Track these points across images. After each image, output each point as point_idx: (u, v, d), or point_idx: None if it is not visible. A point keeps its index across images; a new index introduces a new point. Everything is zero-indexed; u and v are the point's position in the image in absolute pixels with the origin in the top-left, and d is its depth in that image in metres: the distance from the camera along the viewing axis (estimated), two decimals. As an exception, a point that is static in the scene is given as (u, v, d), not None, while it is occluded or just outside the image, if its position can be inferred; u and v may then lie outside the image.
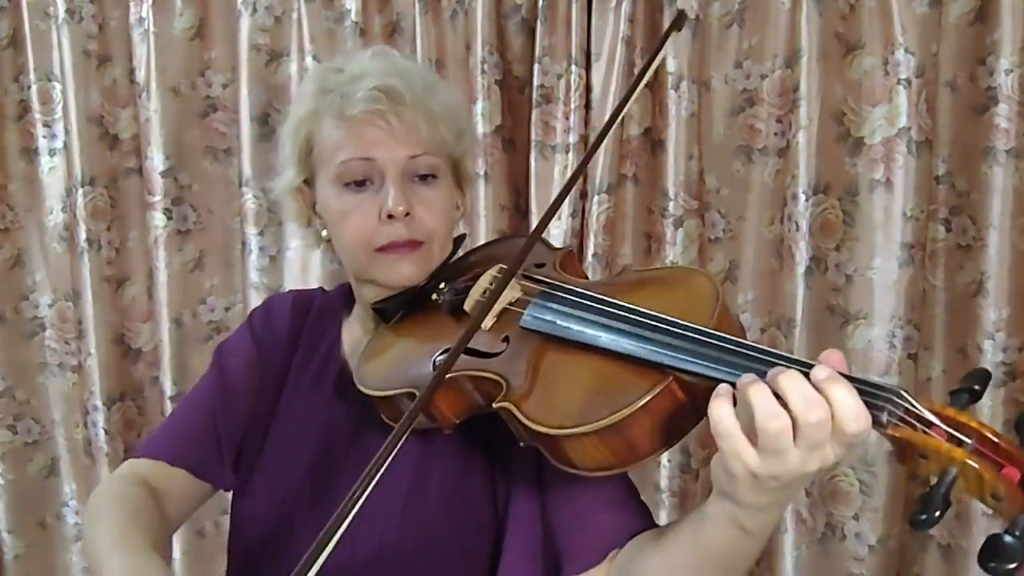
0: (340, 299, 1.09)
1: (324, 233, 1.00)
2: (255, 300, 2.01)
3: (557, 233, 1.88)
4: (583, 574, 0.86)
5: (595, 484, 0.80)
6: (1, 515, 2.17)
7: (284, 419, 1.03)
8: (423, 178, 0.95)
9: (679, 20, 0.98)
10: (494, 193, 1.91)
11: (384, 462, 0.69)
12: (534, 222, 1.91)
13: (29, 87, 2.04)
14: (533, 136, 1.90)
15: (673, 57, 1.82)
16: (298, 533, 0.96)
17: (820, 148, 1.77)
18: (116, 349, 2.10)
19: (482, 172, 1.89)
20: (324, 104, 0.94)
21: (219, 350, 1.10)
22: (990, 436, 0.61)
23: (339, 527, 0.67)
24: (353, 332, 1.06)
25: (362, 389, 0.90)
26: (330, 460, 0.98)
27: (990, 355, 1.71)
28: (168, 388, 2.07)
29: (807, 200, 1.77)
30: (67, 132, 2.00)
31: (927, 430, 0.61)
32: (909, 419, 0.62)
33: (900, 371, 1.76)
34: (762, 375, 0.64)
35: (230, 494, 1.07)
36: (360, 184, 0.94)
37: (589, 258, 1.87)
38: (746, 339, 0.74)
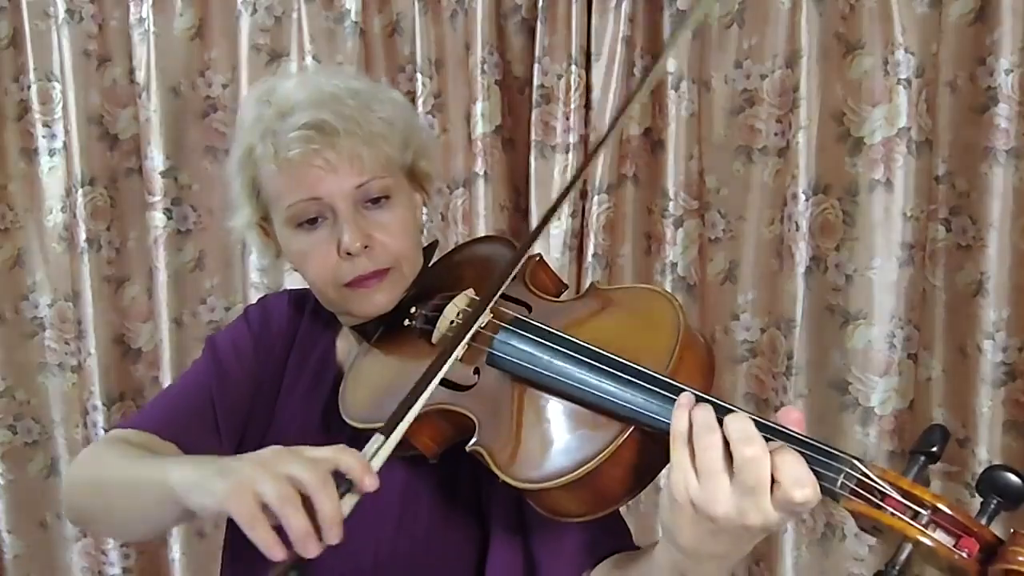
0: None
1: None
2: (255, 300, 2.00)
3: (557, 233, 1.88)
4: None
5: None
6: (1, 515, 2.17)
7: (282, 422, 1.02)
8: (376, 201, 0.92)
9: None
10: (494, 193, 1.91)
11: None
12: (534, 222, 1.91)
13: (29, 87, 2.04)
14: (533, 136, 1.90)
15: (673, 57, 1.82)
16: None
17: (820, 148, 1.77)
18: (116, 349, 2.10)
19: (482, 172, 1.89)
20: (259, 146, 0.92)
21: (212, 340, 1.07)
22: (945, 509, 0.59)
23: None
24: (347, 339, 1.05)
25: (347, 420, 0.90)
26: None
27: (990, 355, 1.70)
28: (168, 388, 2.07)
29: (807, 200, 1.77)
30: (67, 132, 2.00)
31: (881, 503, 0.60)
32: (862, 491, 0.61)
33: (900, 371, 1.76)
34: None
35: None
36: (313, 222, 0.91)
37: (589, 258, 1.88)
38: (712, 359, 0.77)
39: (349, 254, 0.90)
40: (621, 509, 0.84)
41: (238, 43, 1.97)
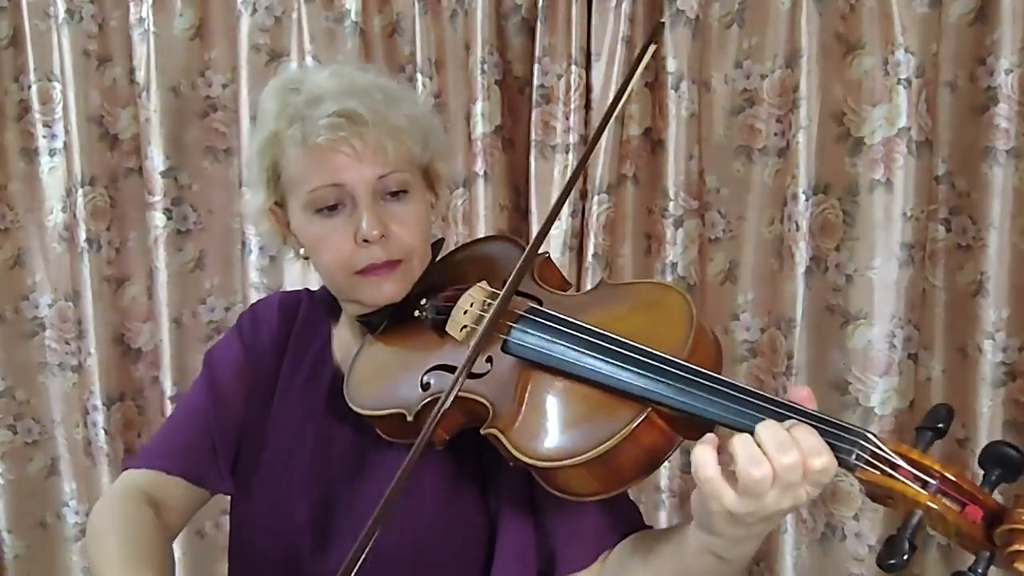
0: (327, 301, 1.09)
1: (302, 251, 1.00)
2: (255, 300, 2.01)
3: (557, 233, 1.88)
4: (575, 574, 0.89)
5: None
6: (1, 515, 2.17)
7: (278, 424, 1.04)
8: (394, 194, 0.95)
9: (657, 31, 0.98)
10: (494, 193, 1.91)
11: (392, 501, 0.75)
12: (534, 222, 1.91)
13: (29, 87, 2.04)
14: (533, 136, 1.90)
15: (673, 57, 1.82)
16: (299, 536, 0.97)
17: (820, 148, 1.77)
18: (116, 349, 2.10)
19: (482, 172, 1.89)
20: (286, 131, 0.93)
21: (208, 356, 1.10)
22: (952, 477, 0.64)
23: (363, 550, 0.73)
24: (343, 336, 1.07)
25: (353, 408, 0.92)
26: (328, 466, 0.99)
27: (990, 355, 1.71)
28: (168, 388, 2.07)
29: (807, 200, 1.77)
30: (67, 132, 2.00)
31: (893, 472, 0.64)
32: (875, 462, 0.65)
33: (900, 371, 1.76)
34: (738, 410, 0.70)
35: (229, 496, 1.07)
36: (332, 208, 0.93)
37: (589, 258, 1.87)
38: (721, 354, 0.80)
39: (366, 241, 0.92)
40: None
41: (238, 43, 1.97)
